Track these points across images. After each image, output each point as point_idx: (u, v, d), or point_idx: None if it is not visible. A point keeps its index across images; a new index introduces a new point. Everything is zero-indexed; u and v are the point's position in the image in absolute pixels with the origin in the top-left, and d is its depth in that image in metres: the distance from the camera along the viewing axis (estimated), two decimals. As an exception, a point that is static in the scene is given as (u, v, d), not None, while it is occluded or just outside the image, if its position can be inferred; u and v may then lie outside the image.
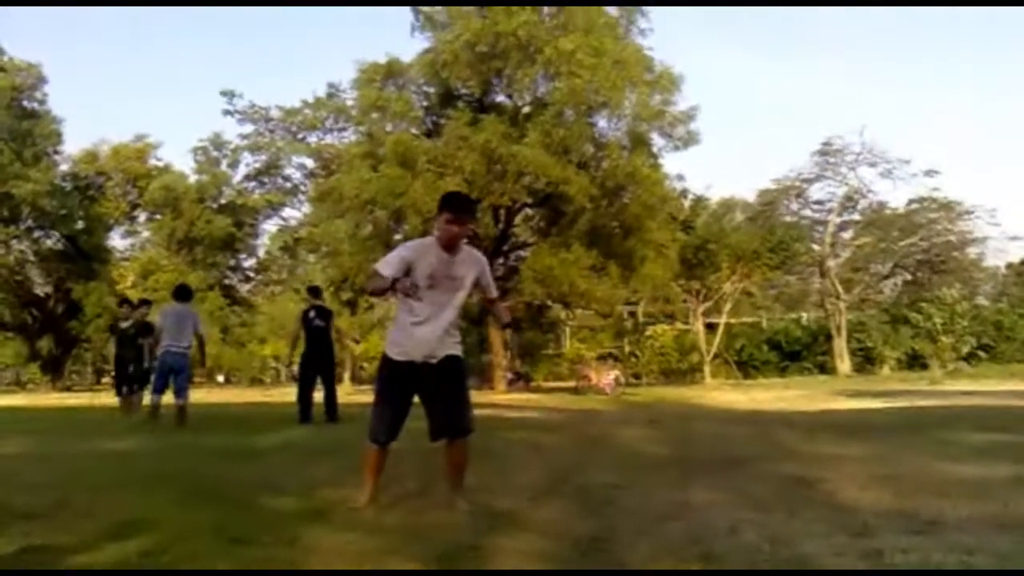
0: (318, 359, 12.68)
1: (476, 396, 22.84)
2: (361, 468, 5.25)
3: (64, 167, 45.26)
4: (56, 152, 43.73)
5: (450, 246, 5.02)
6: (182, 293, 12.52)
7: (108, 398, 17.03)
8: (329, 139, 44.58)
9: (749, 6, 61.32)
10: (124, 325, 14.75)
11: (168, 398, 11.79)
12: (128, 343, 14.38)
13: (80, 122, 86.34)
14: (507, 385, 28.74)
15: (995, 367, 34.37)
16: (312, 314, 12.61)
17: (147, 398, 12.75)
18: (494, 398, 22.47)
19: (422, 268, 4.92)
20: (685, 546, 3.90)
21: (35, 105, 42.26)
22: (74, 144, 54.09)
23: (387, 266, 4.93)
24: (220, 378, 48.91)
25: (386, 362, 5.16)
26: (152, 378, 12.43)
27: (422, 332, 5.00)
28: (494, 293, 5.42)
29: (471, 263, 5.16)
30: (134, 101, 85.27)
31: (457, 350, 5.15)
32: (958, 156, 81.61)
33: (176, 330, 11.75)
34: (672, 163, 79.06)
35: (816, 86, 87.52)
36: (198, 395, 26.43)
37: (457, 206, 5.09)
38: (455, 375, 5.11)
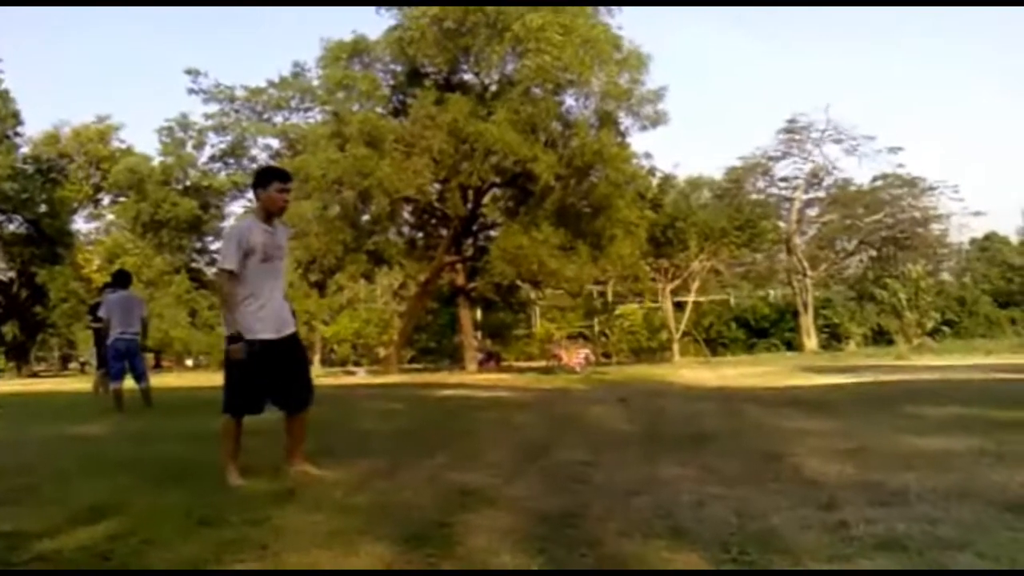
0: None
1: (448, 377, 22.90)
2: (221, 440, 5.36)
3: (25, 150, 44.59)
4: (16, 134, 43.03)
5: (278, 214, 5.41)
6: (123, 279, 12.37)
7: (75, 383, 16.82)
8: (295, 119, 44.25)
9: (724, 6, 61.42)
10: None
11: (130, 383, 11.74)
12: None
13: (40, 104, 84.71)
14: (478, 365, 28.78)
15: (959, 342, 34.91)
16: None
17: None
18: (465, 378, 22.50)
19: (255, 246, 5.21)
20: (654, 520, 3.93)
21: (-10, 86, 41.50)
22: (34, 126, 53.33)
23: (230, 260, 5.20)
24: (189, 362, 48.49)
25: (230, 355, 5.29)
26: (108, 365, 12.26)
27: (269, 308, 5.29)
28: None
29: (285, 231, 5.57)
30: (94, 82, 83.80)
31: (295, 325, 5.56)
32: (921, 132, 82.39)
33: (124, 316, 11.66)
34: (640, 141, 79.37)
35: (782, 64, 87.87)
36: (167, 379, 26.27)
37: (284, 175, 5.49)
38: (300, 351, 5.60)
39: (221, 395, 5.36)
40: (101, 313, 12.16)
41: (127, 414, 10.79)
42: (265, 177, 5.43)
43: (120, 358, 11.67)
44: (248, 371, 5.22)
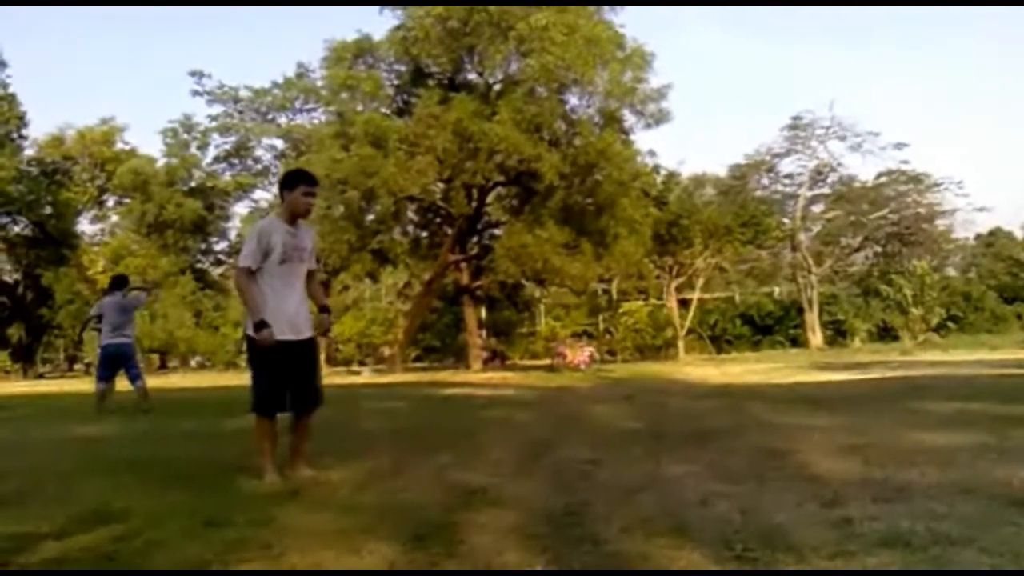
0: None
1: (452, 376, 22.93)
2: (259, 441, 5.38)
3: (30, 152, 44.71)
4: (22, 137, 43.13)
5: (303, 216, 5.46)
6: (118, 283, 12.36)
7: (80, 385, 16.85)
8: (299, 120, 44.21)
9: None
10: None
11: (126, 385, 11.81)
12: None
13: (45, 106, 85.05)
14: (483, 364, 28.79)
15: (964, 338, 34.79)
16: None
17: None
18: (470, 377, 22.53)
19: (275, 246, 5.26)
20: (657, 518, 3.93)
21: (-2, 89, 41.57)
22: (39, 129, 53.46)
23: (249, 258, 5.26)
24: (194, 362, 48.58)
25: (257, 343, 5.30)
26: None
27: (286, 309, 5.30)
28: (315, 264, 5.72)
29: (309, 233, 5.58)
30: (99, 84, 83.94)
31: (311, 328, 5.48)
32: (925, 128, 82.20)
33: (118, 321, 11.67)
34: (644, 139, 79.28)
35: (786, 61, 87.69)
36: (172, 379, 26.33)
37: (311, 179, 5.52)
38: (314, 355, 5.59)
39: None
40: (92, 312, 12.17)
41: (131, 415, 10.80)
42: (292, 180, 5.46)
43: (108, 363, 11.70)
44: (274, 367, 5.25)
